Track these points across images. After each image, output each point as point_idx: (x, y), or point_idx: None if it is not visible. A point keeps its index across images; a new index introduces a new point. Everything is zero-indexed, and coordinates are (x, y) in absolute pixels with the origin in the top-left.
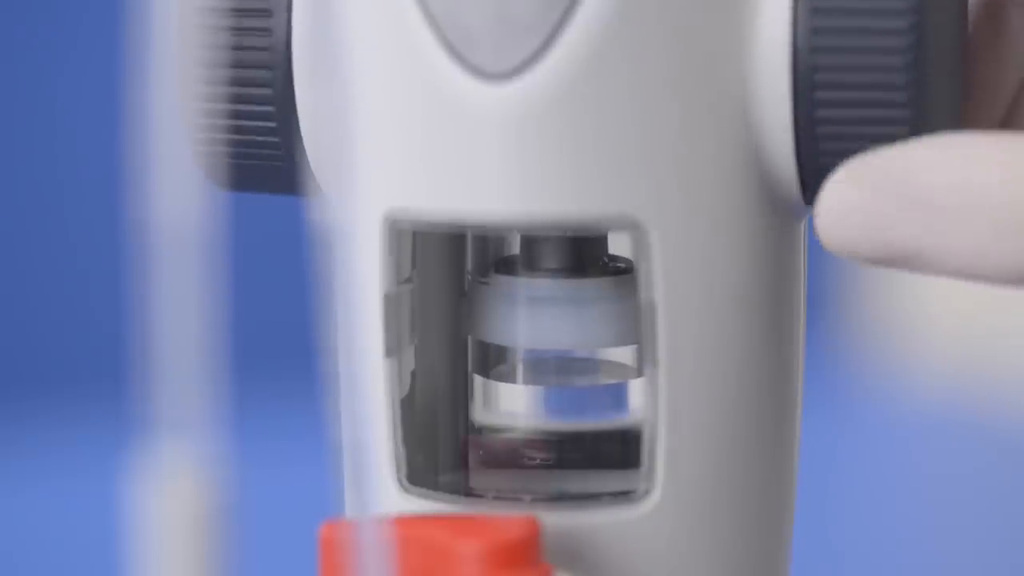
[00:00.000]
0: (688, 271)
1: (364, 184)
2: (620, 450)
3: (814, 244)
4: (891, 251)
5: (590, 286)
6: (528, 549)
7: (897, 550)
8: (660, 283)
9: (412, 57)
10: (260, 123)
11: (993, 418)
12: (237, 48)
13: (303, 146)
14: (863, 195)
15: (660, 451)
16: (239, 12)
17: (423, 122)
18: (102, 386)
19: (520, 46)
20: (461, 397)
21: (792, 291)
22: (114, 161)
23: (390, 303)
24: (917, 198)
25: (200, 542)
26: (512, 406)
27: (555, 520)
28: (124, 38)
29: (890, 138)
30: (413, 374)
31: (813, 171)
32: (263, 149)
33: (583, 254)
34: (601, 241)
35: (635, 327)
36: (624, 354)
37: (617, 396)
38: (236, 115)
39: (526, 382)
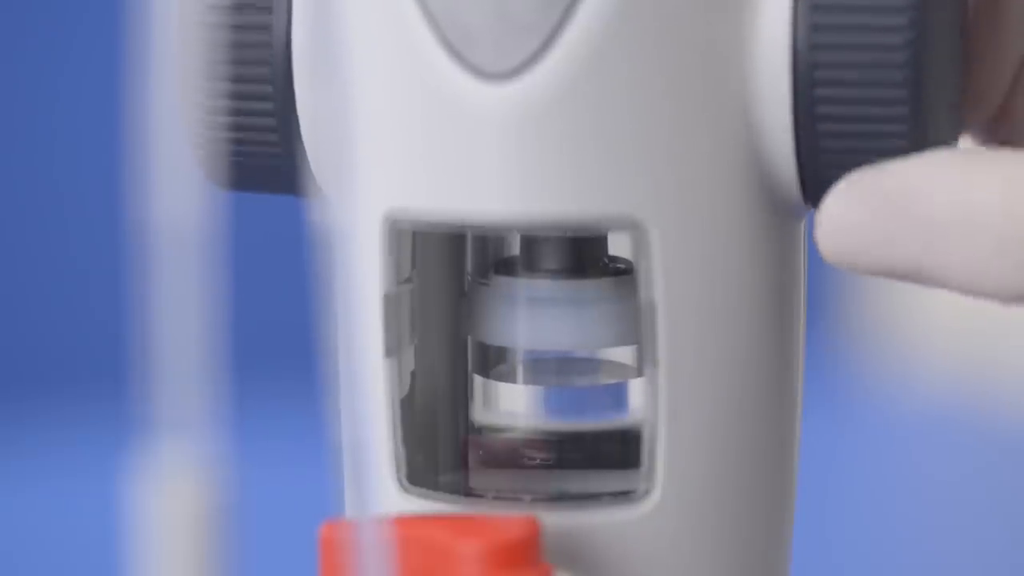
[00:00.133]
0: (688, 271)
1: (364, 184)
2: (620, 450)
3: (814, 244)
4: (892, 267)
5: (590, 287)
6: (528, 549)
7: (897, 550)
8: (660, 283)
9: (412, 57)
10: (260, 123)
11: (993, 418)
12: (237, 48)
13: (303, 146)
14: (863, 212)
15: (660, 451)
16: (239, 12)
17: (423, 122)
18: (102, 386)
19: (520, 46)
20: (461, 397)
21: (792, 291)
22: (114, 161)
23: (390, 303)
24: (917, 216)
25: (200, 542)
26: (512, 406)
27: (555, 520)
28: (124, 38)
29: (890, 138)
30: (413, 374)
31: (813, 171)
32: (263, 149)
33: (583, 255)
34: (601, 242)
35: (635, 328)
36: (624, 354)
37: (617, 396)
38: (236, 115)
39: (526, 382)
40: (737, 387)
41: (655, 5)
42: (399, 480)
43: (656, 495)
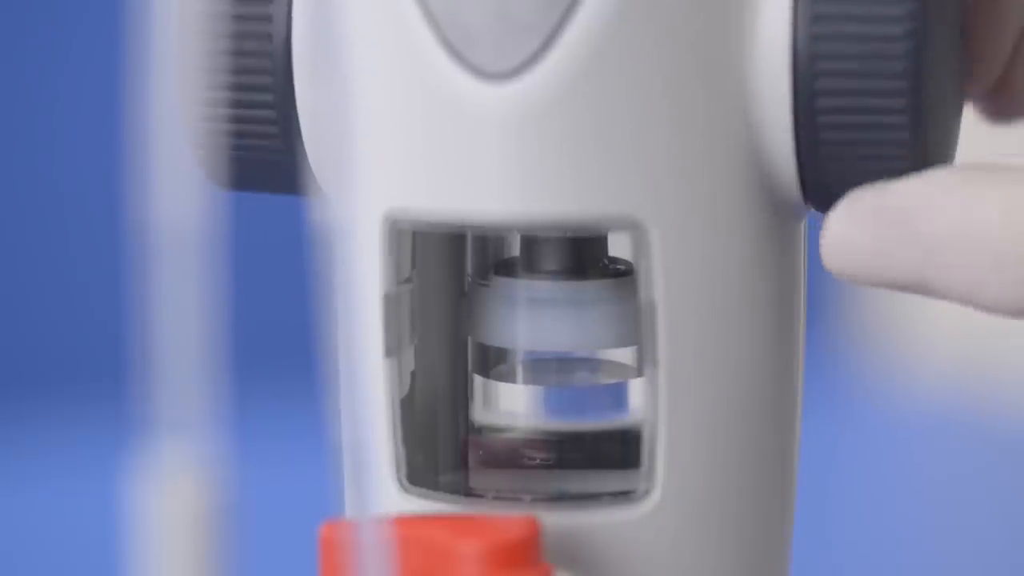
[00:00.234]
0: (688, 271)
1: (364, 184)
2: (620, 450)
3: (814, 244)
4: (895, 281)
5: (590, 288)
6: (528, 549)
7: (897, 550)
8: (660, 283)
9: (412, 57)
10: (260, 123)
11: (993, 418)
12: (237, 47)
13: (303, 145)
14: (865, 233)
15: (660, 451)
16: (239, 11)
17: (423, 122)
18: (102, 386)
19: (520, 46)
20: (461, 397)
21: (792, 291)
22: (114, 161)
23: (390, 303)
24: (918, 236)
25: (200, 542)
26: (512, 406)
27: (555, 520)
28: (124, 38)
29: (890, 134)
30: (413, 374)
31: (813, 171)
32: (263, 148)
33: (583, 256)
34: (601, 242)
35: (635, 329)
36: (624, 354)
37: (617, 396)
38: (236, 114)
39: (526, 382)
40: (737, 387)
41: (655, 5)
42: (399, 480)
43: (656, 495)
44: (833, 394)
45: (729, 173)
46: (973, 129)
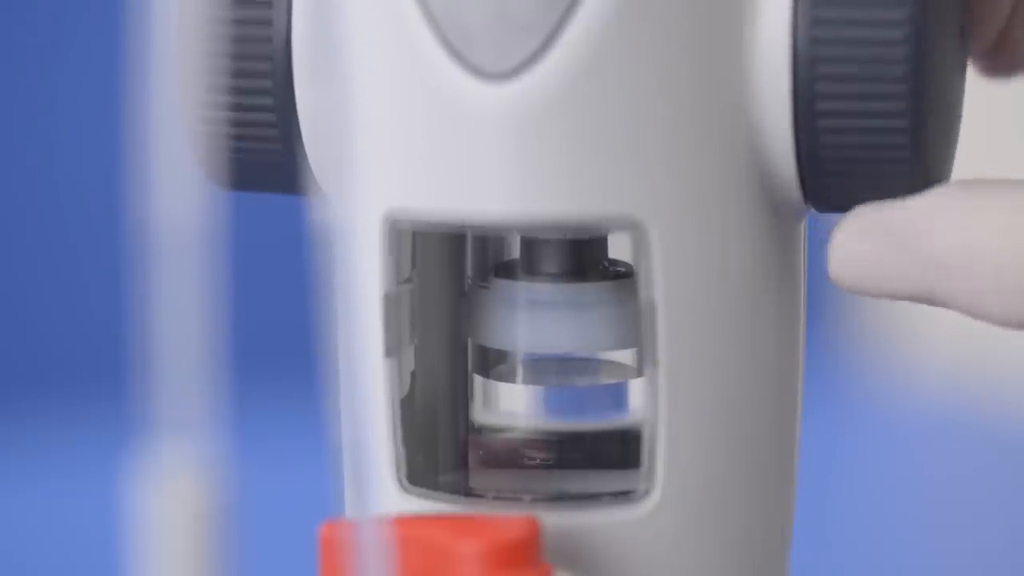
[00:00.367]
0: (688, 271)
1: (364, 184)
2: (620, 450)
3: (814, 244)
4: (901, 294)
5: (590, 290)
6: (528, 549)
7: (897, 550)
8: (660, 283)
9: (412, 57)
10: (260, 122)
11: (994, 418)
12: (237, 48)
13: (303, 145)
14: (871, 250)
15: (660, 451)
16: (239, 13)
17: (423, 122)
18: (102, 386)
19: (520, 46)
20: (461, 397)
21: (792, 291)
22: (114, 161)
23: (390, 303)
24: (922, 253)
25: (200, 542)
26: (512, 406)
27: (555, 520)
28: (124, 38)
29: (890, 140)
30: (413, 374)
31: (813, 171)
32: (263, 148)
33: (583, 258)
34: (601, 244)
35: (635, 331)
36: (624, 354)
37: (617, 396)
38: (236, 114)
39: (526, 382)
40: (737, 387)
41: (655, 5)
42: (399, 480)
43: (656, 495)
44: (833, 394)
45: (729, 173)
46: (973, 129)
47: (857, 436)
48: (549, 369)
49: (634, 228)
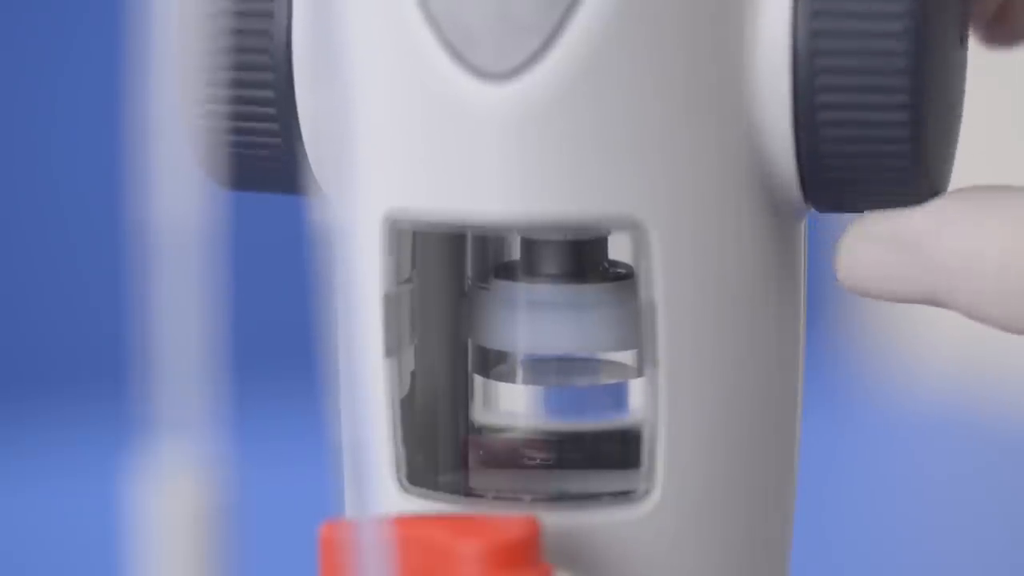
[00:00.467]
0: (688, 271)
1: (364, 184)
2: (620, 450)
3: (814, 244)
4: (907, 298)
5: (590, 291)
6: (528, 549)
7: (897, 550)
8: (660, 283)
9: (412, 57)
10: (261, 123)
11: (994, 418)
12: (238, 48)
13: (303, 145)
14: (878, 257)
15: (660, 451)
16: (240, 12)
17: (423, 122)
18: (102, 386)
19: (520, 46)
20: (461, 397)
21: (792, 291)
22: (114, 161)
23: (390, 303)
24: (924, 255)
25: (200, 542)
26: (512, 406)
27: (555, 520)
28: (124, 38)
29: (890, 135)
30: (413, 374)
31: (813, 170)
32: (263, 148)
33: (583, 259)
34: (601, 245)
35: (635, 332)
36: (624, 354)
37: (617, 396)
38: (237, 115)
39: (526, 382)
40: (737, 387)
41: (655, 6)
42: (399, 480)
43: (656, 495)
44: (833, 394)
45: (729, 173)
46: (973, 130)
47: (857, 436)
48: (549, 369)
49: (634, 228)
